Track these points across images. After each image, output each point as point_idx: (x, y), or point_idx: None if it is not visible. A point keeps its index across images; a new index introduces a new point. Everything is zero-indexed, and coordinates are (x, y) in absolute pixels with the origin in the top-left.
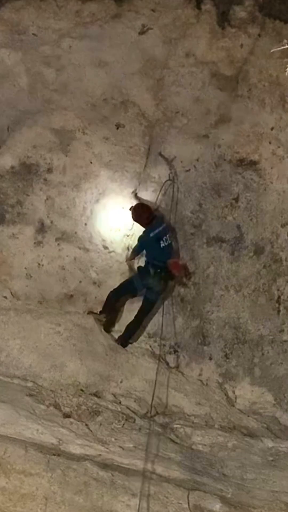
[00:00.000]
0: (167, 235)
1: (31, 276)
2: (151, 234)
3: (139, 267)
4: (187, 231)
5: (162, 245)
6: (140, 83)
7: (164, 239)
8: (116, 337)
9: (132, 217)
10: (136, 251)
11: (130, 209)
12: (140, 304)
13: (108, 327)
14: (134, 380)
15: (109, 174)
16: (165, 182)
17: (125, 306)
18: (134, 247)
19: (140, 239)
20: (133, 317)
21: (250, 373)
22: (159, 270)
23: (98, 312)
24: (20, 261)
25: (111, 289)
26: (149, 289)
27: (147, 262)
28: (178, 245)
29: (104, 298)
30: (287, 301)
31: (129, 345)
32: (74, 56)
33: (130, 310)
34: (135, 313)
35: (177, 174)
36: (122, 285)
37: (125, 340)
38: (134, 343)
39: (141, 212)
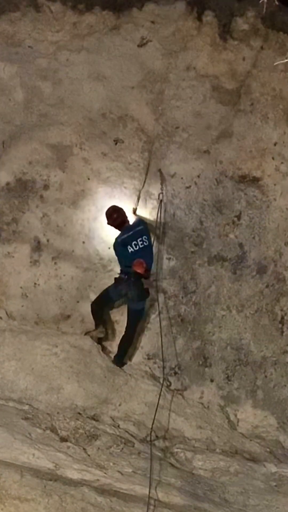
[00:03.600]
0: (139, 240)
1: (27, 296)
2: (119, 240)
3: (114, 278)
4: (187, 249)
5: (130, 250)
6: (139, 97)
7: (133, 244)
8: (112, 357)
9: (107, 221)
10: (118, 261)
11: (105, 214)
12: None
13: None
14: (133, 403)
15: (107, 191)
16: (160, 201)
17: (120, 323)
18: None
19: (113, 245)
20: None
21: (253, 396)
22: (127, 276)
23: (95, 328)
24: (16, 280)
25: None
26: (128, 298)
27: (120, 271)
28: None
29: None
30: None
31: (125, 364)
32: (71, 69)
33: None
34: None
35: (174, 192)
36: (100, 295)
37: (120, 359)
38: (133, 365)
39: (110, 213)
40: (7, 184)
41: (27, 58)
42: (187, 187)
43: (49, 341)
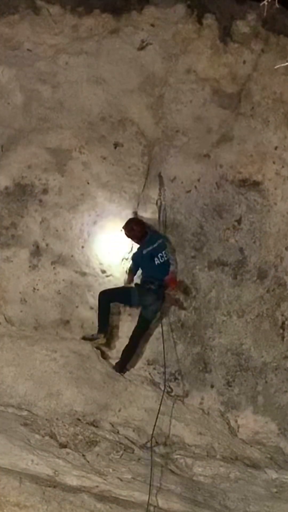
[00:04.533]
0: (163, 252)
1: (26, 301)
2: (144, 252)
3: (136, 284)
4: (187, 254)
5: (157, 262)
6: (139, 100)
7: (159, 256)
8: (114, 363)
9: (125, 233)
10: (133, 271)
11: (123, 227)
12: (134, 324)
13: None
14: (133, 408)
15: (106, 195)
16: (159, 207)
17: (120, 328)
18: (130, 267)
19: (134, 257)
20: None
21: (253, 402)
22: (154, 288)
23: (97, 333)
24: (15, 285)
25: (102, 290)
26: (144, 307)
27: (143, 280)
28: (175, 261)
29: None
30: None
31: (127, 371)
32: (71, 72)
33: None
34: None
35: (174, 196)
36: (117, 290)
37: (123, 366)
38: (133, 371)
39: (133, 226)
40: (6, 188)
41: (26, 61)
42: (187, 191)
43: (48, 347)
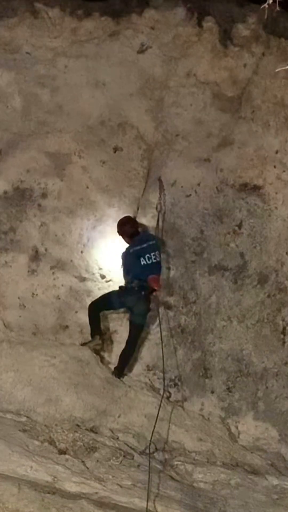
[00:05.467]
0: (152, 254)
1: (25, 306)
2: (131, 250)
3: (120, 286)
4: (188, 258)
5: (143, 262)
6: (139, 104)
7: (146, 256)
8: (112, 369)
9: (117, 230)
10: (123, 271)
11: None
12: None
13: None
14: (133, 414)
15: (106, 200)
16: (158, 212)
17: (119, 334)
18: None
19: (122, 256)
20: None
21: (254, 408)
22: (136, 289)
23: (91, 337)
24: (13, 290)
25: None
26: (131, 311)
27: (126, 281)
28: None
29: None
30: None
31: (125, 376)
32: (70, 76)
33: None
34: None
35: (174, 200)
36: (101, 298)
37: (120, 370)
38: (133, 376)
39: (124, 223)
40: (5, 192)
41: (25, 64)
42: (187, 196)
43: (47, 352)
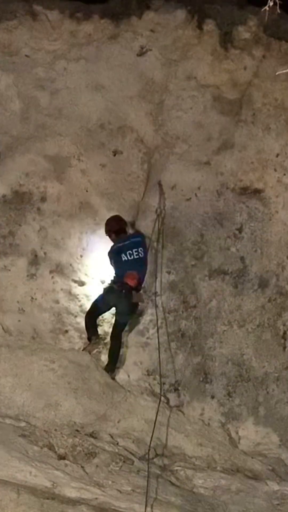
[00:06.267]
0: (135, 250)
1: (24, 310)
2: (114, 247)
3: (103, 288)
4: (188, 263)
5: (124, 258)
6: (139, 107)
7: (127, 253)
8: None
9: (104, 229)
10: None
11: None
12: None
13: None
14: (132, 419)
15: (105, 203)
16: (157, 216)
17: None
18: None
19: (107, 254)
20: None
21: (254, 413)
22: (118, 287)
23: (88, 342)
24: (12, 294)
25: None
26: (116, 309)
27: (112, 280)
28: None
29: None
30: None
31: (117, 369)
32: (69, 79)
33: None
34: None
35: (174, 204)
36: (90, 307)
37: (112, 366)
38: (132, 381)
39: (110, 221)
40: (4, 196)
41: (24, 67)
42: (187, 199)
43: (46, 357)
